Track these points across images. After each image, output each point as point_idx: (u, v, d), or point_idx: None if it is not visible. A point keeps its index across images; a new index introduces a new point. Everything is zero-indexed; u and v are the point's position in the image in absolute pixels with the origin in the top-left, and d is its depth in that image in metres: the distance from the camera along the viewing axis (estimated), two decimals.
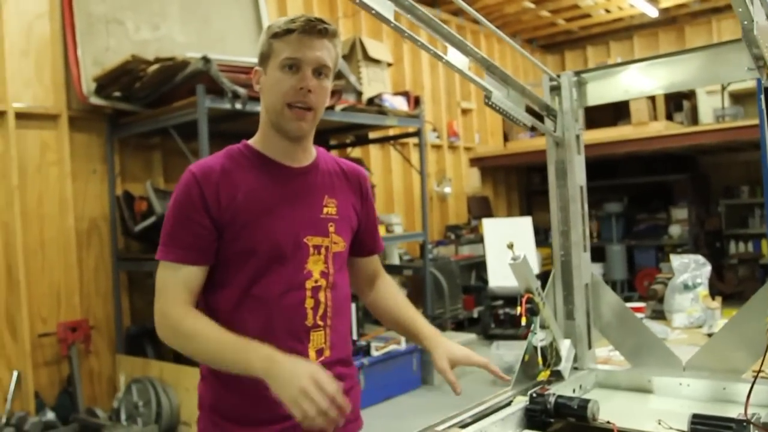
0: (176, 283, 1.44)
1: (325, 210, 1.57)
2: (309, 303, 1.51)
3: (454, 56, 1.54)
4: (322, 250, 1.54)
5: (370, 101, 5.64)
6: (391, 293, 1.80)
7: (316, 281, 1.52)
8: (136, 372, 4.74)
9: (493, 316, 7.27)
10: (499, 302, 7.34)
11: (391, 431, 1.59)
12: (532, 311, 1.74)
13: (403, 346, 5.47)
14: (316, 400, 1.25)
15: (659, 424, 1.56)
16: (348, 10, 7.56)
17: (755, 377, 1.46)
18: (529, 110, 1.80)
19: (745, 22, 1.25)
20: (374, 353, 5.25)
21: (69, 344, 4.61)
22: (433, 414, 1.55)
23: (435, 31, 1.43)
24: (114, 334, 5.02)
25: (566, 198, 1.98)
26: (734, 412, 1.43)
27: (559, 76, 1.97)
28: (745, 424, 1.36)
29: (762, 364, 1.49)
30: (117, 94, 4.70)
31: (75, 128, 4.88)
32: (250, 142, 1.58)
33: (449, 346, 1.64)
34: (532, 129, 1.93)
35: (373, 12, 1.29)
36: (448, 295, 6.99)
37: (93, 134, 4.99)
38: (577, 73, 1.99)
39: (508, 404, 1.67)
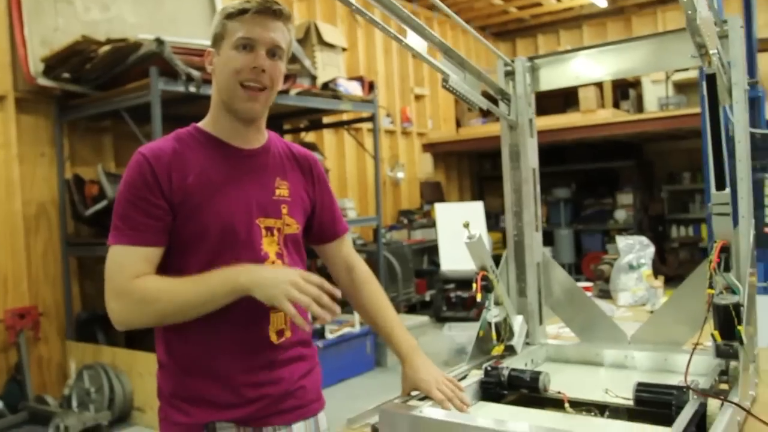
0: (131, 265, 1.39)
1: (277, 192, 1.55)
2: None
3: (413, 40, 1.58)
4: (275, 232, 1.53)
5: (325, 86, 5.65)
6: (376, 293, 1.76)
7: (273, 262, 1.51)
8: (87, 358, 4.68)
9: (445, 299, 7.39)
10: (451, 285, 7.47)
11: (347, 411, 1.61)
12: (487, 288, 1.81)
13: (357, 329, 5.53)
14: (306, 289, 1.30)
15: (606, 393, 1.64)
16: None
17: (694, 348, 1.55)
18: (485, 95, 1.85)
19: (689, 12, 1.32)
20: (329, 336, 5.30)
21: (17, 331, 4.52)
22: (387, 395, 1.58)
23: (396, 15, 1.46)
24: (64, 320, 4.94)
25: (519, 180, 2.05)
26: (675, 380, 1.52)
27: (513, 61, 2.03)
28: (685, 389, 1.45)
29: (700, 336, 1.58)
30: (66, 75, 4.60)
31: (22, 110, 4.76)
32: (200, 124, 1.55)
33: (420, 370, 1.59)
34: (487, 113, 1.98)
35: None
36: (401, 279, 7.07)
37: (41, 116, 4.87)
38: (531, 59, 2.05)
39: (464, 377, 1.73)
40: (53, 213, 4.92)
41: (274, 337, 1.51)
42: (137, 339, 4.76)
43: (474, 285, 1.79)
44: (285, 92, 5.04)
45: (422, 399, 1.55)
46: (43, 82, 4.57)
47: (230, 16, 1.46)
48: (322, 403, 1.67)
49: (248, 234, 1.48)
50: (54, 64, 4.47)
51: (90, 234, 5.00)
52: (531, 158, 2.04)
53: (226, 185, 1.48)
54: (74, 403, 4.48)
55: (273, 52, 1.48)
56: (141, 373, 4.37)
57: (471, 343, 1.91)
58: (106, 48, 4.24)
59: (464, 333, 5.37)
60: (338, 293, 1.37)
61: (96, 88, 4.61)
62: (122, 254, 1.40)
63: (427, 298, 7.78)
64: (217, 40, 1.49)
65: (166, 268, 1.45)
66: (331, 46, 5.87)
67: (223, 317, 1.42)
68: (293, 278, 1.32)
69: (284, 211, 1.56)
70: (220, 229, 1.45)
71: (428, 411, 1.43)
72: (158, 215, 1.42)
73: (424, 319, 6.43)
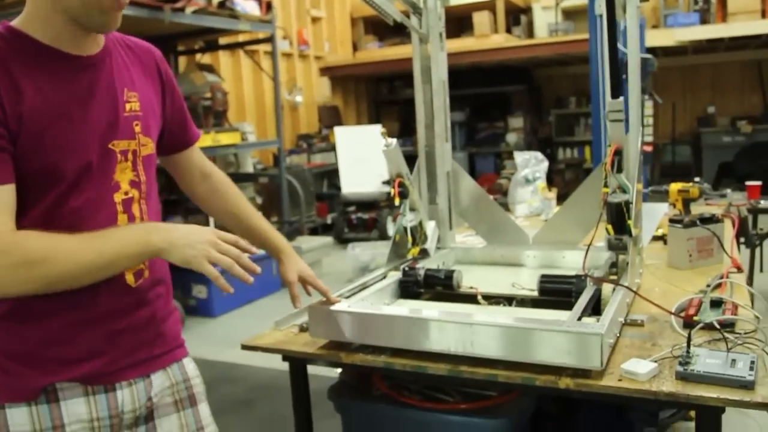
0: None
1: (127, 107, 1.30)
2: (122, 219, 1.28)
3: None
4: (129, 155, 1.30)
5: (221, 4, 5.44)
6: (233, 197, 1.64)
7: (126, 193, 1.29)
8: None
9: (346, 221, 7.52)
10: (352, 208, 7.60)
11: (256, 330, 1.68)
12: (403, 194, 1.91)
13: (262, 251, 5.56)
14: (226, 249, 1.19)
15: (513, 286, 1.81)
16: None
17: (589, 244, 1.73)
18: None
19: None
20: None
21: None
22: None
23: None
24: None
25: (430, 93, 2.14)
26: (574, 273, 1.69)
27: None
28: (582, 277, 1.63)
29: (595, 234, 1.76)
30: None
31: None
32: (17, 25, 1.20)
33: (300, 262, 1.62)
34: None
35: None
36: (303, 202, 7.12)
37: None
38: None
39: (383, 278, 1.84)
40: None
41: (131, 279, 1.30)
42: None
43: (392, 190, 1.87)
44: (180, 10, 4.84)
45: (347, 298, 1.64)
46: None
47: None
48: (185, 351, 1.47)
49: (101, 163, 1.25)
50: None
51: None
52: (441, 71, 2.12)
53: (69, 106, 1.20)
54: None
55: None
56: None
57: (374, 261, 2.02)
58: None
59: (367, 252, 5.52)
60: (255, 250, 1.30)
61: None
62: None
63: (329, 221, 7.89)
64: None
65: None
66: None
67: None
68: (210, 237, 1.19)
69: (137, 128, 1.32)
70: (72, 163, 1.20)
71: (355, 306, 1.53)
72: (2, 145, 1.12)
73: (327, 240, 6.54)
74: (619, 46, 1.82)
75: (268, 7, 6.06)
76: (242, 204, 1.64)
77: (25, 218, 1.16)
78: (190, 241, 1.17)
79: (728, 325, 1.46)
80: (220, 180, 1.62)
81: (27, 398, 1.21)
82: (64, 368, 1.22)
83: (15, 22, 1.20)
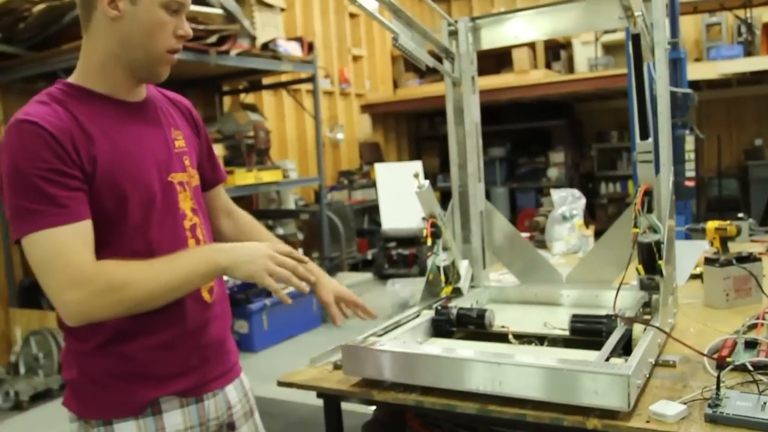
0: (76, 245, 1.23)
1: (176, 144, 1.47)
2: (192, 244, 1.44)
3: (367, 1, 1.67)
4: (186, 186, 1.46)
5: (265, 46, 5.63)
6: (258, 231, 1.75)
7: (191, 220, 1.46)
8: (33, 324, 4.64)
9: (386, 256, 7.57)
10: (392, 244, 7.65)
11: (296, 365, 1.72)
12: (436, 234, 1.94)
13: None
14: (284, 262, 1.28)
15: (545, 326, 1.82)
16: None
17: (620, 284, 1.73)
18: (430, 53, 1.97)
19: None
20: (275, 294, 5.38)
21: None
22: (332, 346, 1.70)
23: None
24: (6, 288, 4.87)
25: (462, 134, 2.18)
26: (606, 313, 1.70)
27: (456, 21, 2.15)
28: (613, 318, 1.63)
29: (626, 273, 1.76)
30: None
31: None
32: (73, 81, 1.36)
33: (334, 282, 1.68)
34: (424, 74, 2.09)
35: None
36: (344, 239, 7.20)
37: None
38: (473, 20, 2.18)
39: (417, 317, 1.87)
40: None
41: (206, 296, 1.47)
42: None
43: (424, 230, 1.92)
44: (225, 53, 5.02)
45: (380, 336, 1.68)
46: None
47: None
48: (240, 366, 1.65)
49: (165, 194, 1.40)
50: None
51: None
52: (473, 113, 2.17)
53: (130, 145, 1.36)
54: (22, 370, 4.47)
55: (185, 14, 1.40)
56: None
57: (413, 297, 2.05)
58: (40, 7, 4.14)
59: (407, 288, 5.54)
60: (306, 259, 1.38)
61: (30, 49, 4.49)
62: (58, 238, 1.21)
63: (369, 257, 7.95)
64: None
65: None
66: (269, 6, 5.84)
67: None
68: (269, 252, 1.29)
69: (187, 162, 1.48)
70: (139, 195, 1.34)
71: (388, 345, 1.56)
72: (78, 186, 1.25)
73: (367, 276, 6.59)
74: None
75: (310, 48, 6.23)
76: (267, 238, 1.72)
77: (107, 249, 1.29)
78: (251, 258, 1.28)
79: (762, 367, 1.45)
80: (243, 217, 1.77)
81: (135, 413, 1.36)
82: (166, 383, 1.39)
83: (72, 78, 1.37)
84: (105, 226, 1.30)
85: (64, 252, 1.21)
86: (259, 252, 1.30)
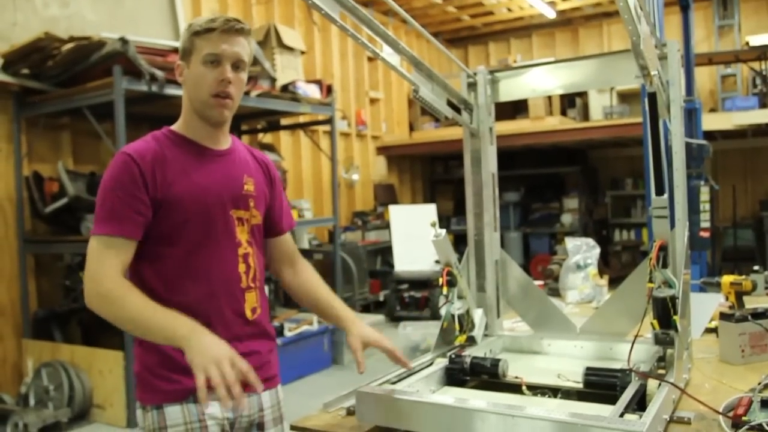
0: (111, 254, 1.56)
1: (245, 187, 1.77)
2: (242, 268, 1.72)
3: (388, 53, 1.72)
4: (245, 222, 1.75)
5: (284, 88, 5.74)
6: (312, 276, 1.96)
7: (245, 249, 1.73)
8: (45, 356, 4.66)
9: (398, 299, 7.55)
10: (405, 286, 7.63)
11: (307, 408, 1.74)
12: (451, 283, 1.96)
13: (315, 326, 5.64)
14: (225, 372, 1.36)
15: (559, 378, 1.82)
16: None
17: (635, 337, 1.74)
18: (448, 103, 2.01)
19: (634, 38, 1.50)
20: (287, 334, 5.39)
21: None
22: (347, 390, 1.71)
23: (374, 32, 1.60)
24: (20, 318, 4.90)
25: (480, 184, 2.21)
26: (620, 366, 1.70)
27: (475, 74, 2.20)
28: (627, 372, 1.63)
29: (641, 327, 1.77)
30: (25, 71, 4.58)
31: None
32: (174, 128, 1.74)
33: (364, 328, 1.80)
34: (453, 122, 2.14)
35: (323, 12, 1.44)
36: (356, 279, 7.20)
37: None
38: (491, 72, 2.23)
39: (430, 365, 1.88)
40: (9, 210, 4.88)
41: (249, 314, 1.73)
42: (95, 337, 4.78)
43: (440, 279, 1.94)
44: (246, 94, 5.11)
45: (394, 383, 1.69)
46: (1, 77, 4.55)
47: (197, 33, 1.64)
48: (280, 379, 1.88)
49: (225, 223, 1.70)
50: (13, 60, 4.45)
51: (48, 231, 4.97)
52: (491, 164, 2.20)
53: (202, 180, 1.68)
54: (32, 401, 4.47)
55: (237, 65, 1.67)
56: (101, 371, 4.39)
57: (425, 341, 2.06)
58: (69, 46, 4.26)
59: (419, 331, 5.51)
60: (247, 370, 1.40)
61: (56, 85, 4.60)
62: (103, 245, 1.56)
63: (381, 298, 7.93)
64: (186, 54, 1.68)
65: (142, 257, 1.62)
66: (290, 49, 5.97)
67: (207, 298, 1.65)
68: (221, 356, 1.38)
69: (251, 204, 1.77)
70: (201, 219, 1.65)
71: (402, 393, 1.57)
72: (141, 210, 1.59)
73: (379, 318, 6.57)
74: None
75: (329, 91, 6.33)
76: (315, 283, 1.95)
77: (166, 261, 1.63)
78: (204, 351, 1.40)
79: None
80: (302, 265, 1.98)
81: (180, 399, 1.62)
82: None
83: (173, 126, 1.74)
84: (163, 242, 1.62)
85: (100, 256, 1.55)
86: (213, 351, 1.40)
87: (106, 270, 1.54)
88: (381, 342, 1.76)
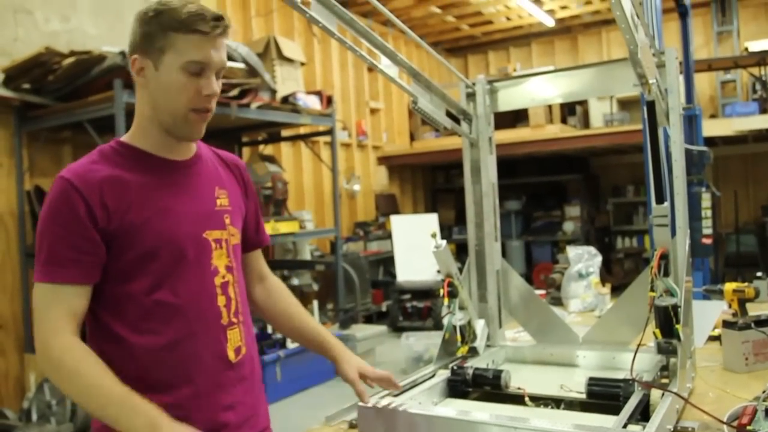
0: (57, 308, 1.28)
1: (218, 202, 1.49)
2: (221, 301, 1.44)
3: (387, 65, 1.72)
4: (223, 244, 1.47)
5: (285, 100, 5.75)
6: (288, 298, 1.74)
7: (223, 277, 1.45)
8: None
9: (401, 309, 7.54)
10: (407, 296, 7.62)
11: (310, 420, 1.72)
12: (452, 294, 1.95)
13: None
14: None
15: (561, 388, 1.81)
16: (261, 9, 7.61)
17: (638, 346, 1.73)
18: (447, 114, 2.01)
19: (632, 47, 1.50)
20: (290, 345, 5.37)
21: None
22: (349, 402, 1.69)
23: (372, 44, 1.60)
24: (22, 332, 4.89)
25: (480, 194, 2.21)
26: (623, 376, 1.69)
27: (474, 84, 2.20)
28: (630, 382, 1.62)
29: (643, 335, 1.76)
30: (26, 86, 4.60)
31: None
32: (125, 139, 1.44)
33: (355, 357, 1.67)
34: (452, 132, 2.14)
35: (320, 25, 1.44)
36: (358, 290, 7.19)
37: None
38: (490, 82, 2.23)
39: (432, 376, 1.87)
40: (11, 224, 4.89)
41: (232, 356, 1.46)
42: None
43: (441, 290, 1.93)
44: (246, 106, 5.13)
45: (396, 395, 1.68)
46: (2, 92, 4.57)
47: (176, 28, 1.33)
48: (271, 430, 1.63)
49: (198, 250, 1.41)
50: (15, 75, 4.47)
51: None
52: (491, 173, 2.20)
53: (166, 201, 1.39)
54: (34, 416, 4.45)
55: (218, 73, 1.40)
56: None
57: (428, 351, 2.05)
58: (70, 60, 4.28)
59: (421, 342, 5.50)
60: None
61: (57, 99, 4.62)
62: (48, 296, 1.29)
63: (384, 309, 7.92)
64: (153, 50, 1.35)
65: (103, 301, 1.35)
66: (290, 60, 5.99)
67: (182, 341, 1.38)
68: None
69: (227, 221, 1.50)
70: (168, 250, 1.37)
71: (404, 406, 1.56)
72: (89, 250, 1.31)
73: (381, 328, 6.55)
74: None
75: (329, 102, 6.34)
76: (295, 306, 1.74)
77: (129, 303, 1.34)
78: None
79: None
80: (274, 283, 1.75)
81: None
82: None
83: (124, 137, 1.46)
84: (123, 280, 1.34)
85: (46, 311, 1.28)
86: None
87: (54, 328, 1.26)
88: (374, 372, 1.65)
